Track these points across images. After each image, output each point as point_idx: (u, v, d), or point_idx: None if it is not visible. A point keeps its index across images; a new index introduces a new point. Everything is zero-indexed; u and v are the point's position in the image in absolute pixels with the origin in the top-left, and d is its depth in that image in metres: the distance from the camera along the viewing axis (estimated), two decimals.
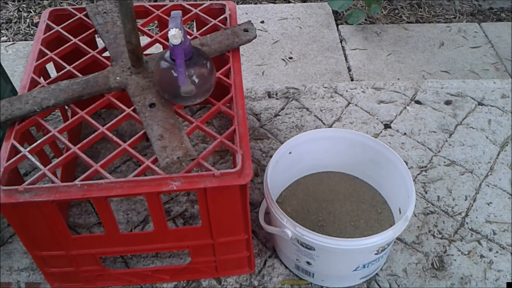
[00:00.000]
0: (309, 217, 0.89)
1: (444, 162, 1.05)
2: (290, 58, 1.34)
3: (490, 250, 0.91)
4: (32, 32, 1.47)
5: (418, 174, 1.03)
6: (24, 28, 1.49)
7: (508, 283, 0.86)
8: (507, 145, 1.09)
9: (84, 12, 0.94)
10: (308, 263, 0.81)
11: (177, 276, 0.87)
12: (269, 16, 1.48)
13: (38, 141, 0.75)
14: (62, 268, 0.81)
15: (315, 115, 1.14)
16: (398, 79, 1.24)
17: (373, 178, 0.94)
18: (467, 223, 0.95)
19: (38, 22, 1.43)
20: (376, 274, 0.88)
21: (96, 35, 0.93)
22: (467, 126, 1.13)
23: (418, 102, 1.18)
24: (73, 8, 0.95)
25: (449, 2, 1.61)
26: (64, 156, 0.73)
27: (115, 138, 0.75)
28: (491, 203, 0.98)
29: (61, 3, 1.58)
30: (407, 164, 1.00)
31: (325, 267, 0.82)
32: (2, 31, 1.47)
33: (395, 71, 1.32)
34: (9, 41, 1.41)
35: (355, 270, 0.81)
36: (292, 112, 1.15)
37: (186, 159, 0.71)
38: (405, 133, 1.11)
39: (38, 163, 0.72)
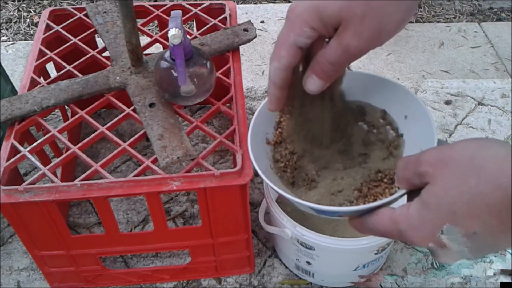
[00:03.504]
0: (308, 217, 0.89)
1: None
2: None
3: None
4: (32, 32, 1.47)
5: None
6: (24, 28, 1.49)
7: (501, 283, 0.86)
8: None
9: (84, 12, 0.94)
10: (308, 263, 0.81)
11: (177, 276, 0.87)
12: (269, 16, 1.48)
13: (38, 141, 0.75)
14: (62, 268, 0.81)
15: None
16: (398, 79, 1.24)
17: None
18: None
19: (38, 22, 1.43)
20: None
21: (96, 35, 0.93)
22: (467, 126, 1.13)
23: None
24: (73, 8, 0.95)
25: (449, 2, 1.61)
26: (64, 156, 0.73)
27: (115, 138, 0.75)
28: None
29: (61, 2, 1.58)
30: None
31: (325, 267, 0.82)
32: (2, 31, 1.47)
33: (395, 71, 1.32)
34: (9, 41, 1.41)
35: (355, 270, 0.81)
36: None
37: (186, 159, 0.71)
38: None
39: (38, 163, 0.72)
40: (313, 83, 0.48)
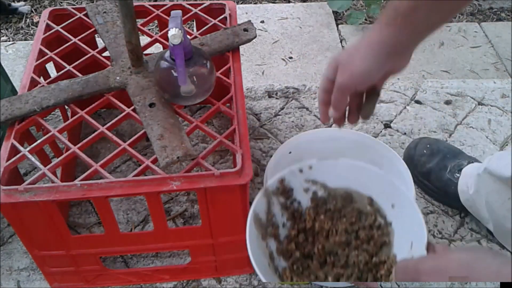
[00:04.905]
0: None
1: None
2: (290, 58, 1.34)
3: (490, 250, 0.91)
4: (32, 32, 1.47)
5: None
6: (24, 28, 1.49)
7: (501, 284, 0.86)
8: (507, 145, 1.09)
9: (84, 12, 0.94)
10: None
11: (177, 276, 0.87)
12: (269, 16, 1.48)
13: (38, 141, 0.75)
14: (62, 268, 0.81)
15: (315, 115, 1.14)
16: (398, 78, 1.24)
17: None
18: (467, 222, 0.95)
19: (38, 22, 1.43)
20: None
21: (96, 35, 0.93)
22: (467, 126, 1.13)
23: (418, 101, 1.18)
24: (73, 8, 0.95)
25: None
26: (64, 155, 0.73)
27: (115, 138, 0.75)
28: None
29: (61, 2, 1.58)
30: None
31: None
32: (2, 31, 1.47)
33: None
34: (9, 41, 1.41)
35: None
36: (292, 111, 1.15)
37: (186, 159, 0.71)
38: (405, 133, 1.11)
39: (38, 163, 0.72)
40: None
